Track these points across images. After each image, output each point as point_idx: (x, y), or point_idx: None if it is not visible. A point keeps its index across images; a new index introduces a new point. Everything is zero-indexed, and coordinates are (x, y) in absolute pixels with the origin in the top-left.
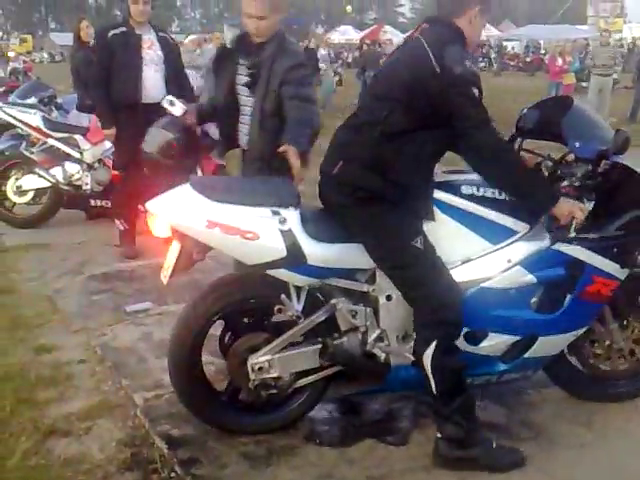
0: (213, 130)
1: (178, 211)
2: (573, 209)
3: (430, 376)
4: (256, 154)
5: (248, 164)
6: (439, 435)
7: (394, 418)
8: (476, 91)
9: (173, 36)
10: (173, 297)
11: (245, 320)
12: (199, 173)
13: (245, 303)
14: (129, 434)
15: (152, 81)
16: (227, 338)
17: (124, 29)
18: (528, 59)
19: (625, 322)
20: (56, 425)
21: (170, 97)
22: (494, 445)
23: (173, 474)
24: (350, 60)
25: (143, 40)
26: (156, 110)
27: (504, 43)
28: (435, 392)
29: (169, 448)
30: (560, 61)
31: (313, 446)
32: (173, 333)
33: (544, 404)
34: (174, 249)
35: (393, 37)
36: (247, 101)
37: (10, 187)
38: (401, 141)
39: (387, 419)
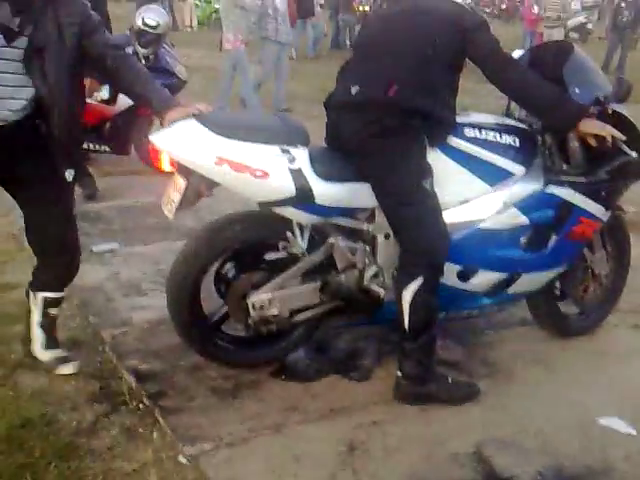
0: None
1: (185, 146)
2: (604, 127)
3: (405, 311)
4: None
5: None
6: (399, 373)
7: (358, 355)
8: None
9: None
10: (140, 238)
11: (246, 258)
12: None
13: (248, 241)
14: (97, 368)
15: None
16: (226, 275)
17: None
18: (503, 6)
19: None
20: (23, 360)
21: None
22: (450, 380)
23: (141, 406)
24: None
25: None
26: None
27: None
28: (406, 327)
29: (137, 382)
30: (536, 9)
31: (279, 381)
32: (174, 267)
33: (502, 344)
34: (179, 184)
35: None
36: None
37: None
38: (442, 72)
39: (351, 356)
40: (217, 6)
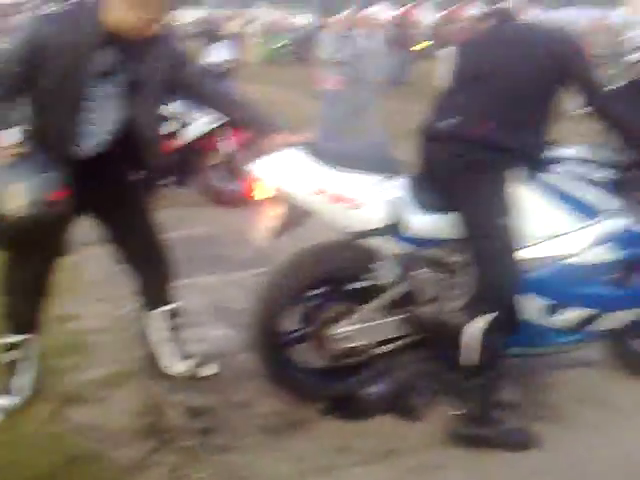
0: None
1: (283, 174)
2: None
3: (467, 348)
4: None
5: None
6: (455, 412)
7: (410, 395)
8: None
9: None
10: (198, 269)
11: (330, 288)
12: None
13: (333, 271)
14: (146, 403)
15: None
16: (310, 304)
17: None
18: None
19: None
20: (74, 393)
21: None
22: (506, 426)
23: (190, 443)
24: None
25: None
26: None
27: None
28: (464, 363)
29: (187, 417)
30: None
31: (330, 420)
32: (260, 297)
33: (561, 386)
34: (275, 212)
35: (428, 15)
36: None
37: None
38: (535, 106)
39: (403, 395)
40: (280, 43)
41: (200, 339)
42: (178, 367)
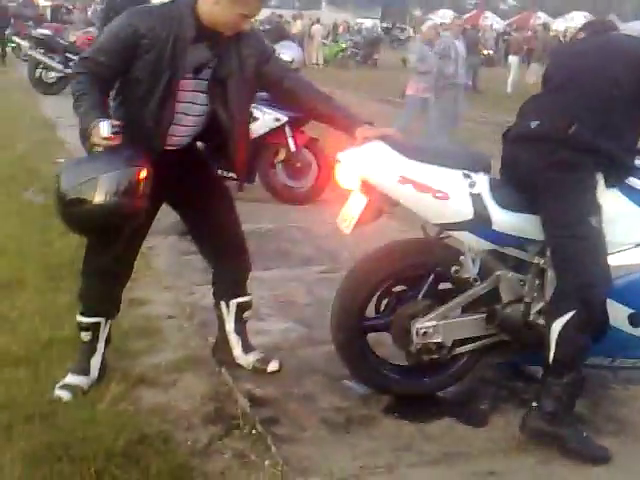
0: None
1: (371, 164)
2: None
3: (553, 344)
4: None
5: None
6: (535, 404)
7: (474, 400)
8: None
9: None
10: (260, 264)
11: (413, 285)
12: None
13: (415, 267)
14: (213, 389)
15: None
16: (393, 300)
17: None
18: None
19: None
20: (145, 375)
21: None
22: (585, 435)
23: (254, 431)
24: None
25: None
26: None
27: None
28: (551, 361)
29: (251, 406)
30: None
31: (392, 419)
32: (340, 290)
33: (632, 400)
34: (359, 201)
35: (493, 23)
36: None
37: None
38: (625, 113)
39: (467, 400)
40: (344, 45)
41: (263, 332)
42: (246, 359)
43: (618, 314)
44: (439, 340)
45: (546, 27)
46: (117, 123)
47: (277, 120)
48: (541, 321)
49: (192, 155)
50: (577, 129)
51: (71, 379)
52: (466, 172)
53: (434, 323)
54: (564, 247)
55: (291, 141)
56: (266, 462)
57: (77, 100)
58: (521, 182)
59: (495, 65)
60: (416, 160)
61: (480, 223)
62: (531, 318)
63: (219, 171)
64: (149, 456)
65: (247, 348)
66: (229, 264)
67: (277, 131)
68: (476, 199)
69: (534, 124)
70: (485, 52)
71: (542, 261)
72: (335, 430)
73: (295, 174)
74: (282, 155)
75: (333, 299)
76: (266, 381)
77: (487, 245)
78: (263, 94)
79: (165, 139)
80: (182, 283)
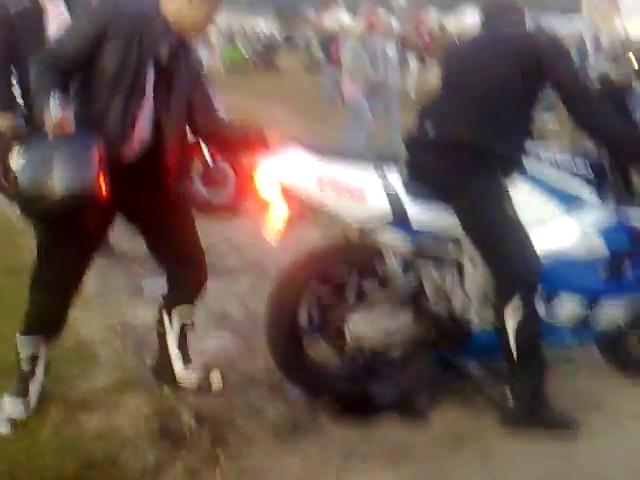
0: None
1: (289, 172)
2: None
3: (511, 338)
4: None
5: None
6: (509, 394)
7: (413, 397)
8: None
9: None
10: None
11: (340, 288)
12: None
13: (342, 270)
14: (156, 408)
15: None
16: (320, 306)
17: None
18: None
19: None
20: (84, 399)
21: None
22: (556, 411)
23: (202, 447)
24: None
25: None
26: None
27: None
28: (514, 352)
29: (198, 422)
30: None
31: (337, 423)
32: (269, 299)
33: (565, 392)
34: (281, 210)
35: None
36: None
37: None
38: (515, 108)
39: (406, 398)
40: (243, 51)
41: (200, 348)
42: (189, 378)
43: None
44: (371, 339)
45: (441, 28)
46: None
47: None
48: (465, 313)
49: (146, 165)
50: (470, 134)
51: (9, 408)
52: (380, 170)
53: (365, 323)
54: (490, 243)
55: (207, 153)
56: (218, 477)
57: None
58: (430, 182)
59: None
60: (329, 159)
61: (398, 222)
62: (455, 311)
63: None
64: None
65: (188, 362)
66: (185, 273)
67: (192, 144)
68: (392, 198)
69: (430, 130)
70: None
71: (459, 255)
72: (283, 440)
73: (213, 186)
74: (198, 168)
75: (265, 308)
76: (210, 396)
77: (407, 243)
78: None
79: (128, 137)
80: (111, 305)
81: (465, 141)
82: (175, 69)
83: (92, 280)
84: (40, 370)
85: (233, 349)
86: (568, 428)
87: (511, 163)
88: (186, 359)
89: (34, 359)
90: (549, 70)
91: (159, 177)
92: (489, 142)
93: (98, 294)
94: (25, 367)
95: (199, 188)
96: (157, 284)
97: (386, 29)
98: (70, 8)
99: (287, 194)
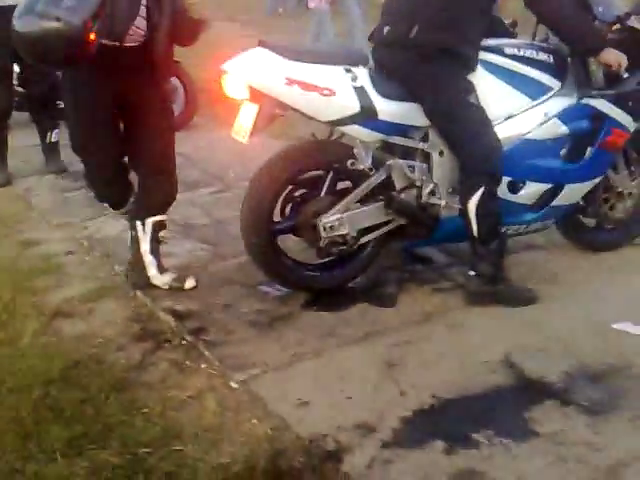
0: None
1: (257, 71)
2: (618, 57)
3: (473, 220)
4: None
5: None
6: (472, 272)
7: (382, 285)
8: None
9: None
10: None
11: (313, 184)
12: None
13: (314, 168)
14: (133, 312)
15: None
16: (296, 200)
17: None
18: None
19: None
20: (59, 308)
21: None
22: (515, 284)
23: (184, 342)
24: None
25: None
26: None
27: None
28: (476, 234)
29: (176, 320)
30: None
31: (311, 312)
32: (246, 197)
33: (516, 267)
34: (250, 110)
35: None
36: None
37: None
38: (472, 5)
39: (375, 286)
40: None
41: (170, 255)
42: (162, 279)
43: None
44: (344, 232)
45: None
46: None
47: None
48: (433, 201)
49: (144, 64)
50: (418, 31)
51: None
52: (347, 67)
53: (338, 216)
54: (453, 131)
55: None
56: (202, 365)
57: None
58: (395, 78)
59: None
60: (298, 61)
61: (367, 115)
62: (423, 200)
63: None
64: (87, 377)
65: (162, 269)
66: (156, 180)
67: None
68: (360, 92)
69: (386, 29)
70: None
71: (426, 146)
72: (261, 329)
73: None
74: None
75: (241, 207)
76: (185, 297)
77: (376, 136)
78: None
79: (132, 20)
80: (72, 219)
81: (411, 39)
82: None
83: (46, 197)
84: None
85: (204, 254)
86: (527, 299)
87: (469, 58)
88: (159, 265)
89: None
90: None
91: (149, 71)
92: (441, 40)
93: (56, 210)
94: None
95: None
96: None
97: None
98: None
99: (255, 93)
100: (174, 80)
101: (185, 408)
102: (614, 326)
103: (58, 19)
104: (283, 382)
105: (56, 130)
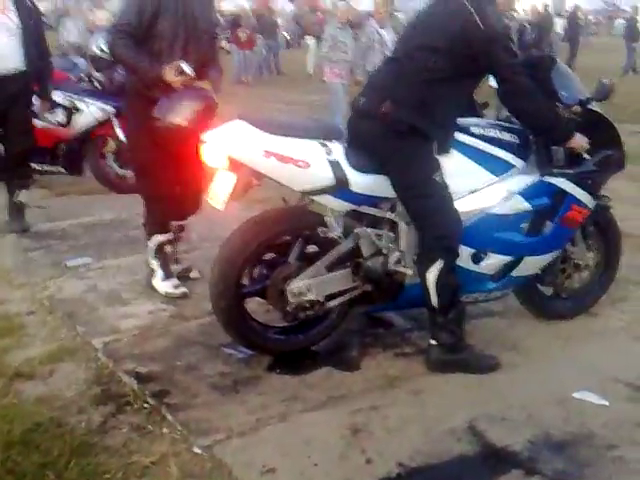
0: None
1: (236, 143)
2: (583, 143)
3: (432, 291)
4: None
5: None
6: (433, 342)
7: (345, 348)
8: (512, 44)
9: None
10: (110, 252)
11: (281, 251)
12: None
13: (285, 234)
14: (94, 374)
15: (6, 49)
16: (261, 265)
17: None
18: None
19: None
20: (20, 369)
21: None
22: (477, 351)
23: (146, 405)
24: None
25: None
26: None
27: None
28: (435, 304)
29: (138, 383)
30: None
31: (275, 375)
32: (217, 261)
33: (476, 333)
34: (227, 178)
35: (284, 5)
36: None
37: None
38: (443, 86)
39: (339, 350)
40: None
41: (131, 316)
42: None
43: (462, 254)
44: (312, 297)
45: (334, 6)
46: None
47: (103, 111)
48: (399, 269)
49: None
50: (389, 106)
51: None
52: (322, 141)
53: (306, 282)
54: (416, 206)
55: (119, 131)
56: (165, 429)
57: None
58: (367, 149)
59: (292, 47)
60: (276, 134)
61: (339, 187)
62: (389, 267)
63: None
64: (48, 440)
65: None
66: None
67: (104, 122)
68: (334, 165)
69: (362, 100)
70: (285, 34)
71: (394, 215)
72: (225, 392)
73: (126, 163)
74: (111, 146)
75: (210, 270)
76: (147, 359)
77: (347, 206)
78: (83, 85)
79: None
80: (34, 279)
81: (382, 113)
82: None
83: (7, 257)
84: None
85: (166, 315)
86: (490, 366)
87: (441, 141)
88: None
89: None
90: (482, 57)
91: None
92: (410, 119)
93: (17, 270)
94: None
95: (112, 166)
96: (80, 260)
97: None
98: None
99: (234, 163)
100: None
101: (148, 474)
102: (575, 395)
103: None
104: (248, 448)
105: (24, 190)
